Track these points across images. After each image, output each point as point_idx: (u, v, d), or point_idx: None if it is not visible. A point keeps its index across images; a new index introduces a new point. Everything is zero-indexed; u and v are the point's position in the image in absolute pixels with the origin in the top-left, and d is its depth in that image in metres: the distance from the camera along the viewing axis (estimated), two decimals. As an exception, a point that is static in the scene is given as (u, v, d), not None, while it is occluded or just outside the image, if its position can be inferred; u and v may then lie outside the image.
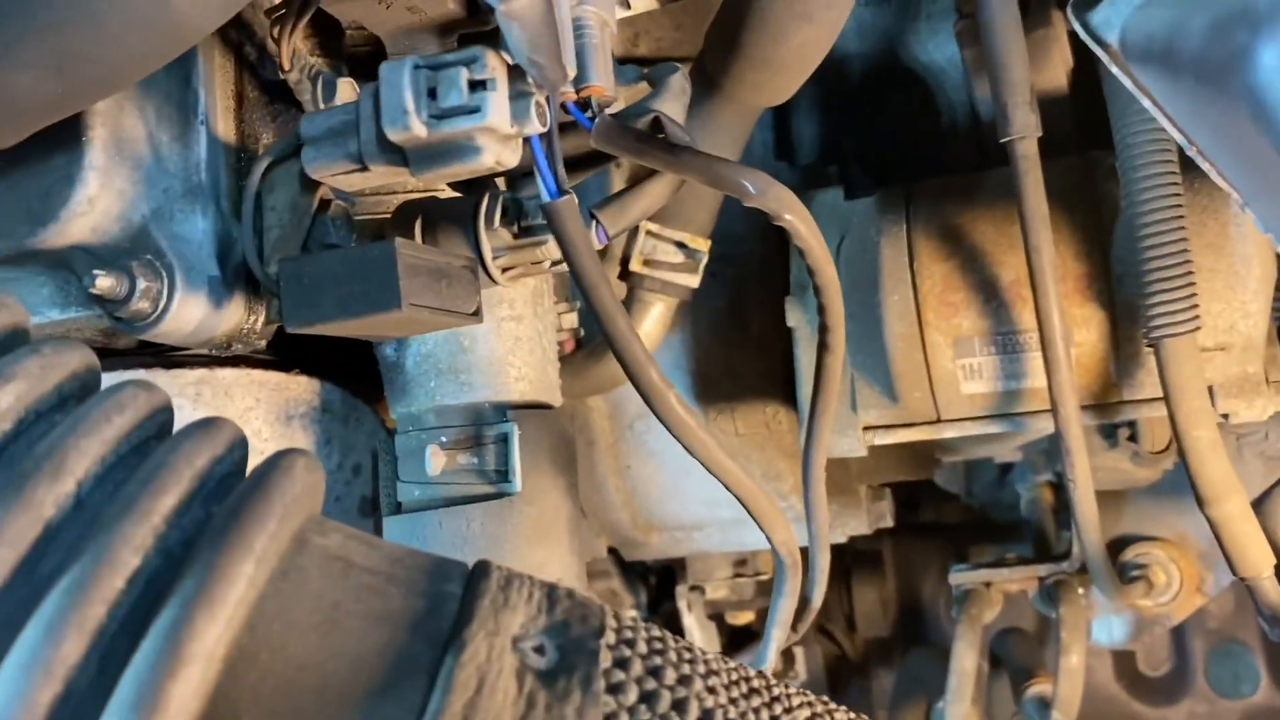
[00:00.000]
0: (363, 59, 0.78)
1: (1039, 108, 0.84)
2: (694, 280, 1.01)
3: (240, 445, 0.50)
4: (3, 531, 0.38)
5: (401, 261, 0.59)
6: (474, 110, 0.55)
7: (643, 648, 0.45)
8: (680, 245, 1.01)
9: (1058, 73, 1.01)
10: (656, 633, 0.47)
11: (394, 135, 0.56)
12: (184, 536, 0.43)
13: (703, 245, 1.01)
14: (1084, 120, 1.02)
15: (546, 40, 0.52)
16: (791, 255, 1.07)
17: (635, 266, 1.03)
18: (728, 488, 0.71)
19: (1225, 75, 0.29)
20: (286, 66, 0.66)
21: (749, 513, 0.76)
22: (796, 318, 1.03)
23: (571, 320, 1.05)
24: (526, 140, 0.60)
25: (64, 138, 0.61)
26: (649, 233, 1.00)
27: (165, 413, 0.51)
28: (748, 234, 1.17)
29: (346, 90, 0.73)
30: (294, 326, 0.61)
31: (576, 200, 0.71)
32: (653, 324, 1.05)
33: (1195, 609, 1.34)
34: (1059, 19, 1.01)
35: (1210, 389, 0.88)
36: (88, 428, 0.43)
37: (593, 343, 1.08)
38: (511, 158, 0.59)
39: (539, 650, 0.43)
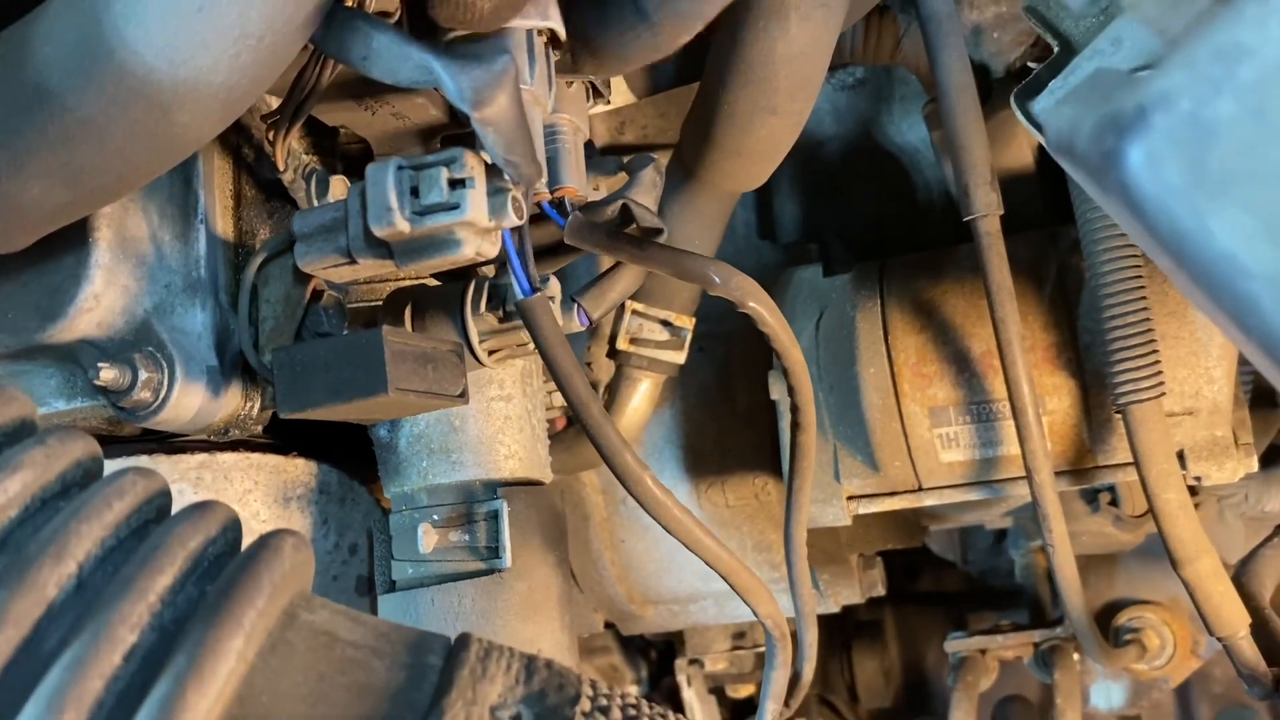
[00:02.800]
0: (355, 156, 0.83)
1: (1007, 185, 0.88)
2: (680, 357, 1.04)
3: (233, 527, 0.53)
4: (7, 612, 0.41)
5: (388, 348, 0.63)
6: (454, 207, 0.59)
7: (617, 715, 0.47)
8: (665, 323, 1.04)
9: (1023, 151, 1.05)
10: (631, 700, 0.49)
11: (379, 231, 0.60)
12: (178, 614, 0.46)
13: (688, 323, 1.04)
14: (1051, 196, 1.06)
15: (520, 143, 0.56)
16: (774, 331, 1.10)
17: (622, 345, 1.06)
18: (709, 564, 0.73)
19: (1105, 174, 0.33)
20: (281, 167, 0.70)
21: (733, 588, 0.78)
22: (779, 392, 1.05)
23: (560, 398, 1.08)
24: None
25: (72, 238, 0.65)
26: (634, 312, 1.04)
27: (163, 497, 0.54)
28: (732, 311, 1.20)
29: (339, 187, 0.77)
30: (287, 412, 0.64)
31: (549, 295, 0.75)
32: (640, 400, 1.08)
33: (1191, 671, 1.35)
34: (1022, 101, 1.05)
35: (1181, 453, 0.90)
36: (89, 513, 0.46)
37: (583, 420, 1.11)
38: (491, 249, 0.63)
39: (515, 718, 0.46)
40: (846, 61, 1.04)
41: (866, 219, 1.26)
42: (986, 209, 0.85)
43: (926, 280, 0.98)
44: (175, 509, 0.83)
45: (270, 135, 0.69)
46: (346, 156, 0.82)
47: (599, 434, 0.66)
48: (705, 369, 1.20)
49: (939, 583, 1.82)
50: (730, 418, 1.18)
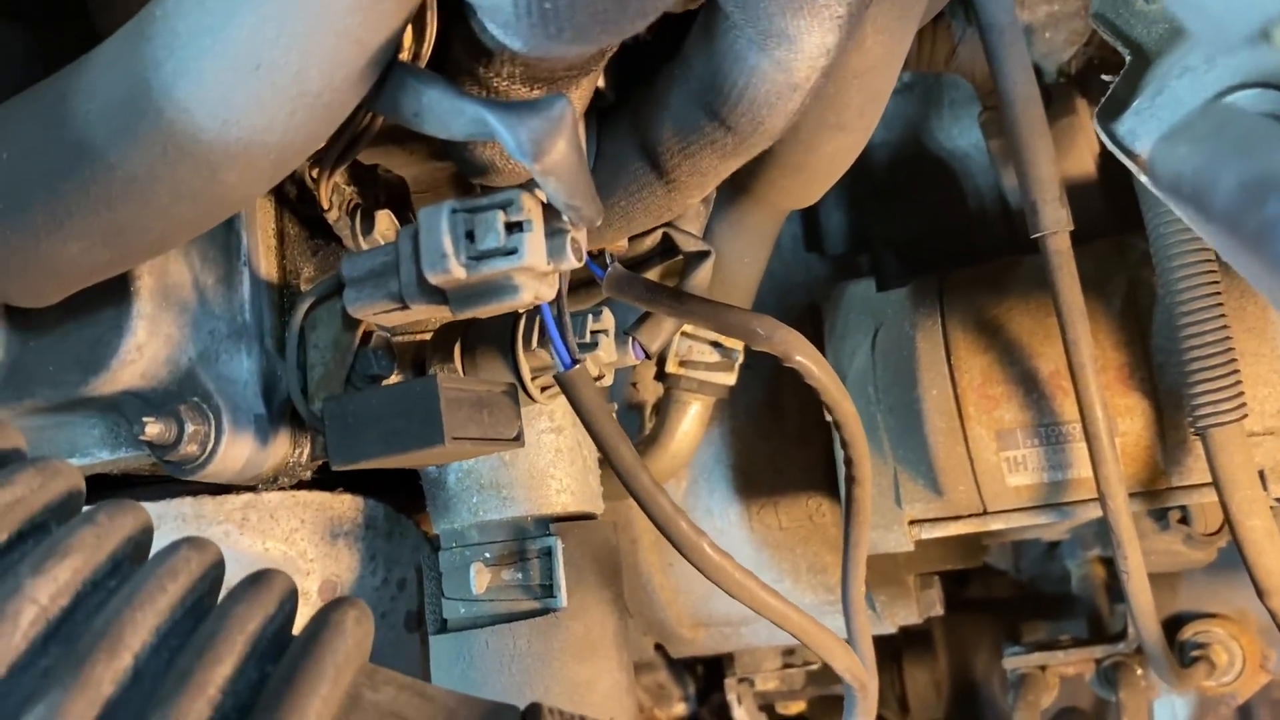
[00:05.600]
0: (395, 185, 0.80)
1: (1069, 193, 0.84)
2: (730, 379, 1.01)
3: (290, 598, 0.50)
4: (64, 714, 0.39)
5: (444, 396, 0.60)
6: (511, 251, 0.56)
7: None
8: (715, 345, 1.01)
9: (1084, 159, 1.01)
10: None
11: (434, 279, 0.57)
12: (240, 702, 0.43)
13: (738, 344, 1.01)
14: (1115, 202, 1.02)
15: (582, 185, 0.53)
16: (827, 348, 1.07)
17: (671, 368, 1.03)
18: (778, 625, 0.70)
19: (1258, 242, 0.29)
20: (326, 206, 0.67)
21: (805, 645, 0.76)
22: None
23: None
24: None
25: (112, 288, 0.62)
26: (684, 334, 1.01)
27: (217, 568, 0.51)
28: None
29: (384, 221, 0.74)
30: (339, 465, 0.62)
31: (603, 329, 0.72)
32: (691, 423, 1.05)
33: (1261, 686, 1.31)
34: (1083, 106, 1.01)
35: (1261, 473, 0.86)
36: (142, 600, 0.43)
37: (634, 441, 1.08)
38: (549, 292, 0.60)
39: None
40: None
41: (917, 228, 1.23)
42: (1056, 226, 0.81)
43: (989, 297, 0.94)
44: (225, 551, 0.81)
45: (314, 173, 0.67)
46: (388, 186, 0.79)
47: (651, 503, 0.64)
48: (755, 386, 1.16)
49: (989, 589, 1.79)
50: (781, 437, 1.15)
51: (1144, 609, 0.91)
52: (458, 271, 0.56)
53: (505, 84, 0.55)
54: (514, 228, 0.57)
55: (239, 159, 0.49)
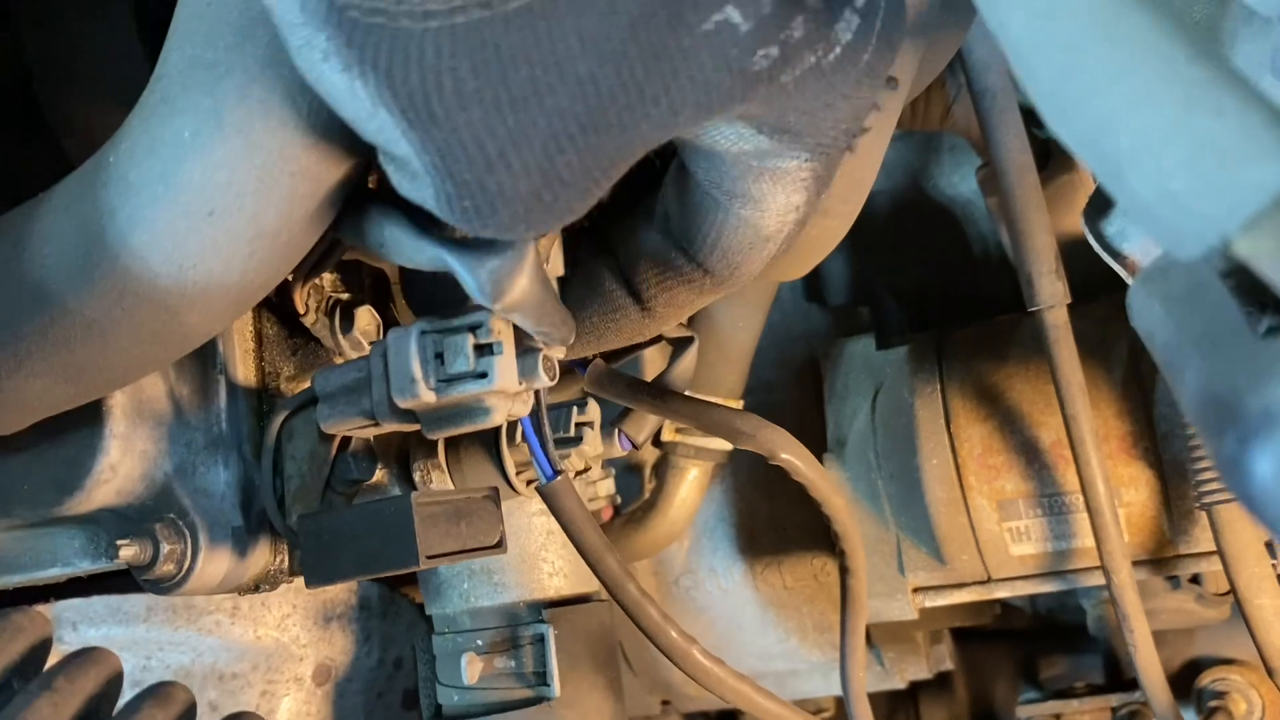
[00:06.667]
0: (380, 274, 0.79)
1: (1068, 251, 0.82)
2: (728, 445, 1.00)
3: (186, 714, 0.50)
4: None
5: (418, 515, 0.59)
6: (482, 375, 0.55)
7: None
8: (712, 410, 1.00)
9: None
10: None
11: (404, 403, 0.56)
12: None
13: (735, 405, 1.00)
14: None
15: (549, 314, 0.52)
16: (827, 409, 1.06)
17: (667, 435, 1.02)
18: None
19: (1227, 474, 0.28)
20: (302, 311, 0.66)
21: None
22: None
23: (609, 487, 1.04)
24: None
25: (86, 407, 0.62)
26: (680, 400, 0.99)
27: (111, 684, 0.50)
28: (782, 382, 1.16)
29: (365, 318, 0.73)
30: (314, 585, 0.61)
31: (588, 421, 0.71)
32: (689, 489, 1.04)
33: (1282, 734, 1.28)
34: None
35: (1270, 544, 0.84)
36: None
37: (629, 508, 1.07)
38: (522, 408, 0.59)
39: None
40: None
41: (920, 276, 1.21)
42: (1053, 300, 0.79)
43: (988, 362, 0.92)
44: (216, 642, 0.80)
45: (290, 277, 0.66)
46: (373, 274, 0.78)
47: (639, 613, 0.63)
48: (756, 443, 1.15)
49: (1007, 621, 1.76)
50: (783, 495, 1.13)
51: (1154, 681, 0.88)
52: (427, 396, 0.55)
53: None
54: (484, 349, 0.55)
55: (198, 301, 0.49)
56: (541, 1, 0.35)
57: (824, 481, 0.69)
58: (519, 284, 0.47)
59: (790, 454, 0.67)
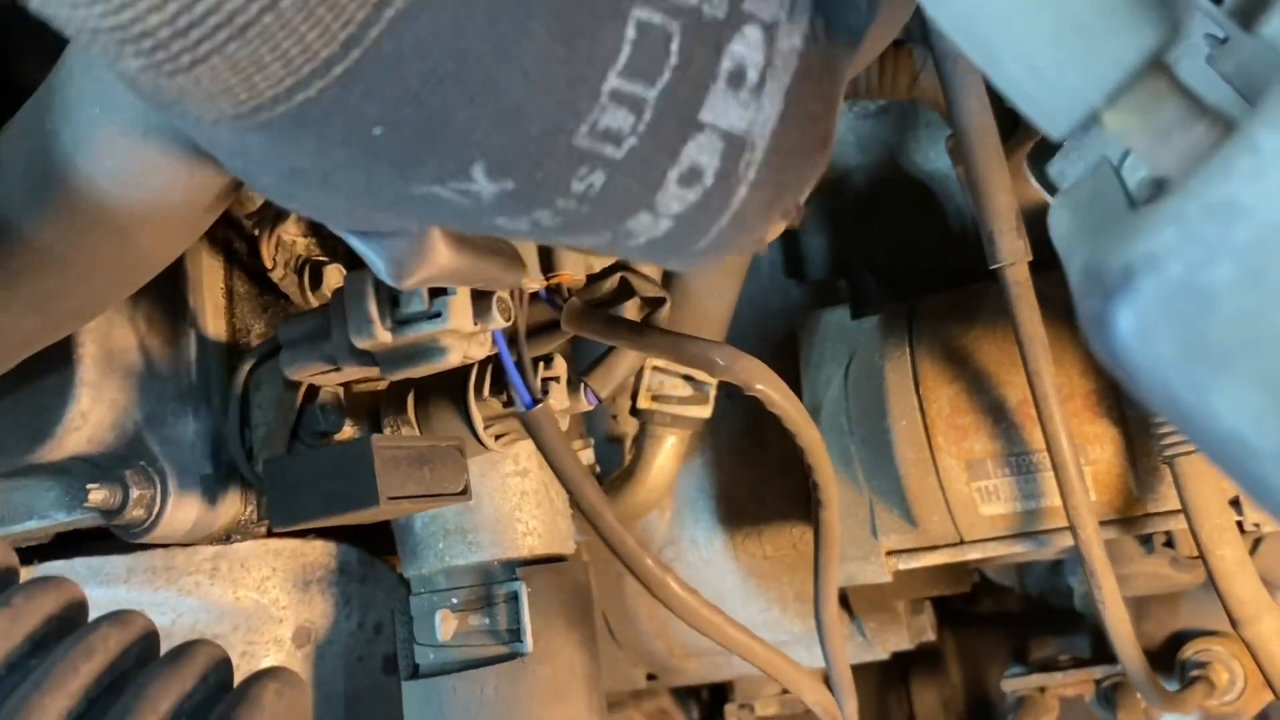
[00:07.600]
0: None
1: (1035, 218, 0.83)
2: (705, 412, 1.01)
3: (217, 668, 0.51)
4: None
5: (378, 458, 0.60)
6: (435, 315, 0.56)
7: None
8: (687, 378, 1.01)
9: (1054, 182, 1.00)
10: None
11: (361, 343, 0.58)
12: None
13: (710, 377, 1.01)
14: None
15: (477, 273, 0.52)
16: (803, 378, 1.07)
17: (643, 403, 1.03)
18: (747, 659, 0.70)
19: (1094, 334, 0.29)
20: (270, 265, 0.68)
21: (778, 681, 0.75)
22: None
23: (588, 456, 1.06)
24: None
25: (56, 355, 0.63)
26: (655, 368, 1.00)
27: (145, 640, 0.52)
28: (761, 357, 1.17)
29: (334, 276, 0.75)
30: (279, 526, 0.62)
31: (554, 375, 0.72)
32: (666, 457, 1.05)
33: (1265, 704, 1.28)
34: (1051, 128, 1.00)
35: (1236, 500, 0.85)
36: (52, 683, 0.44)
37: (609, 478, 1.08)
38: (480, 350, 0.60)
39: None
40: (863, 98, 1.00)
41: (898, 250, 1.22)
42: (1013, 256, 0.80)
43: (957, 325, 0.93)
44: (196, 602, 0.81)
45: (256, 232, 0.67)
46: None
47: (615, 541, 0.64)
48: (735, 415, 1.16)
49: (999, 603, 1.77)
50: (763, 465, 1.14)
51: (1123, 636, 0.89)
52: (383, 336, 0.57)
53: None
54: (438, 291, 0.57)
55: (148, 222, 0.50)
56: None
57: (798, 413, 0.70)
58: (422, 269, 0.47)
59: (764, 384, 0.67)
